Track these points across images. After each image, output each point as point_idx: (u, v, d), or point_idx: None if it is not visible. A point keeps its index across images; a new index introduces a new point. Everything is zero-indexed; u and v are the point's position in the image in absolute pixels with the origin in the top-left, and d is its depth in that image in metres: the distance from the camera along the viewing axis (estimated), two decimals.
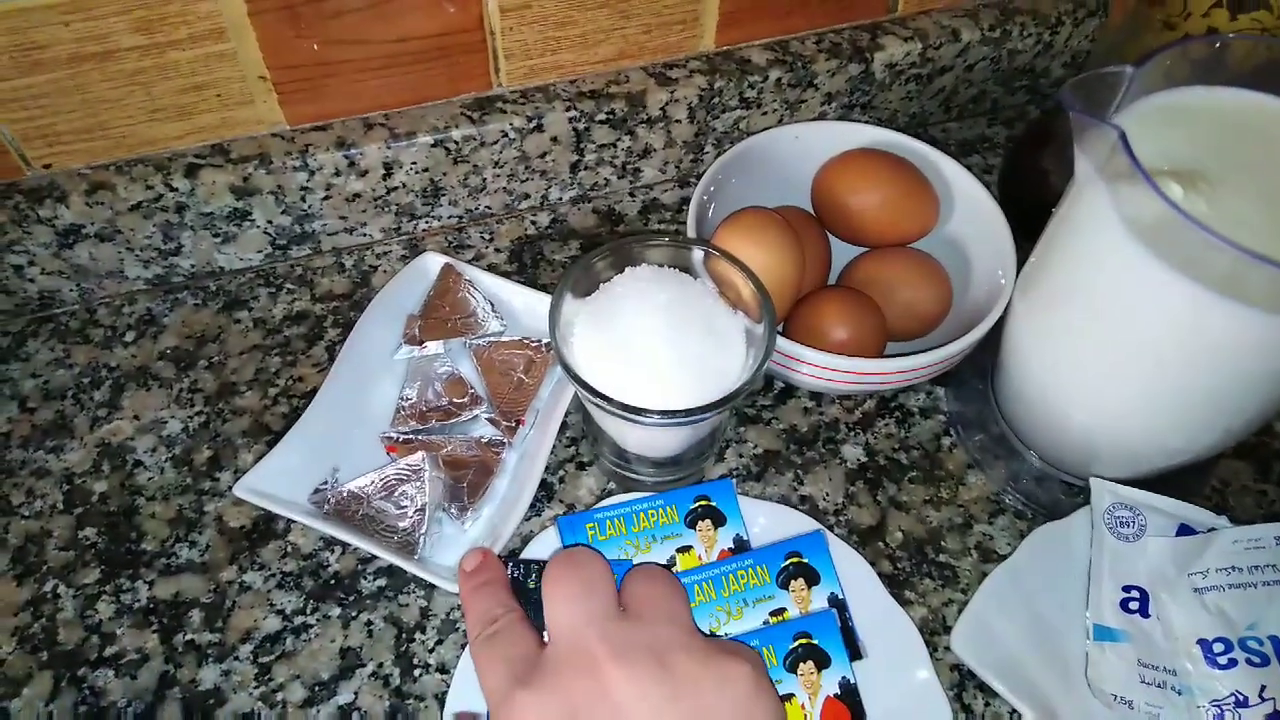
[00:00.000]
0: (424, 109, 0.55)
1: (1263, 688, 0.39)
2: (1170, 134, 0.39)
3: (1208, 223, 0.33)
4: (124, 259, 0.54)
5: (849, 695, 0.39)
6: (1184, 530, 0.44)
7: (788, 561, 0.42)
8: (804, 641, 0.39)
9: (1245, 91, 0.40)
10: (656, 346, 0.41)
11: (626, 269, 0.44)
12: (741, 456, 0.50)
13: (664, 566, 0.40)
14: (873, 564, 0.44)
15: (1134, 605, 0.43)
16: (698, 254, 0.45)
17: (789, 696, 0.38)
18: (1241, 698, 0.40)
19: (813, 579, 0.42)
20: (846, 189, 0.52)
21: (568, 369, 0.41)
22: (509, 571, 0.41)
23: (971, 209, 0.53)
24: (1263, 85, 0.40)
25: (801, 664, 0.39)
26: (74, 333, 0.55)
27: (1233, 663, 0.40)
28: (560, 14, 0.53)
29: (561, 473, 0.50)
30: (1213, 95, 0.40)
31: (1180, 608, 0.42)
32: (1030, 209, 0.47)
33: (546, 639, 0.35)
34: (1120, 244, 0.37)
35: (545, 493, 0.49)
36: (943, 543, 0.48)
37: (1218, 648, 0.41)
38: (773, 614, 0.41)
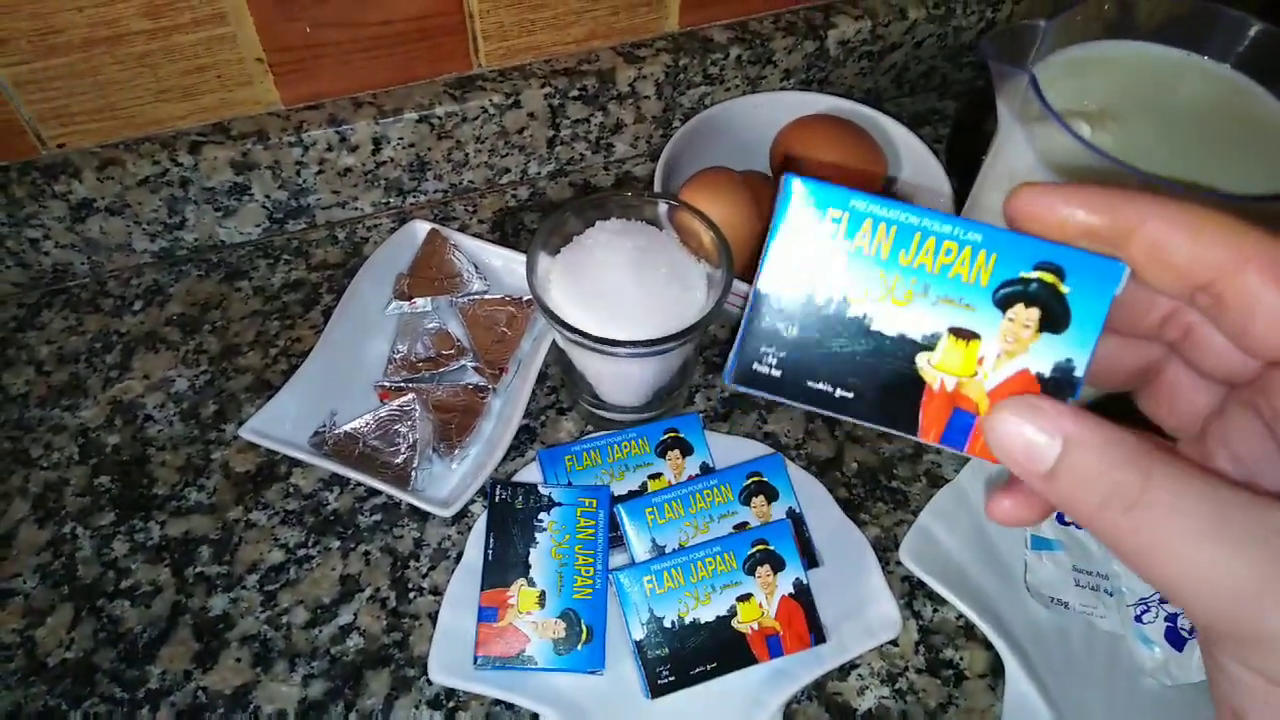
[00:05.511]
0: (409, 88, 0.59)
1: None
2: (1083, 82, 0.44)
3: (1113, 154, 0.37)
4: (132, 232, 0.58)
5: (802, 594, 0.42)
6: None
7: (749, 480, 0.46)
8: (761, 547, 0.43)
9: (1150, 44, 0.45)
10: (626, 289, 0.45)
11: (596, 223, 0.48)
12: (710, 400, 0.54)
13: None
14: (830, 490, 0.48)
15: (1069, 518, 0.47)
16: (663, 208, 0.49)
17: (747, 596, 0.42)
18: None
19: (772, 495, 0.46)
20: (800, 151, 0.56)
21: (547, 311, 0.45)
22: (496, 494, 0.45)
23: (917, 164, 0.57)
24: (1165, 39, 0.44)
25: (759, 567, 0.43)
26: (85, 303, 0.59)
27: None
28: None
29: (543, 418, 0.53)
30: (1121, 48, 0.45)
31: None
32: (975, 170, 0.51)
33: None
34: (1035, 177, 0.41)
35: (528, 435, 0.53)
36: (895, 470, 0.51)
37: None
38: (735, 527, 0.45)
